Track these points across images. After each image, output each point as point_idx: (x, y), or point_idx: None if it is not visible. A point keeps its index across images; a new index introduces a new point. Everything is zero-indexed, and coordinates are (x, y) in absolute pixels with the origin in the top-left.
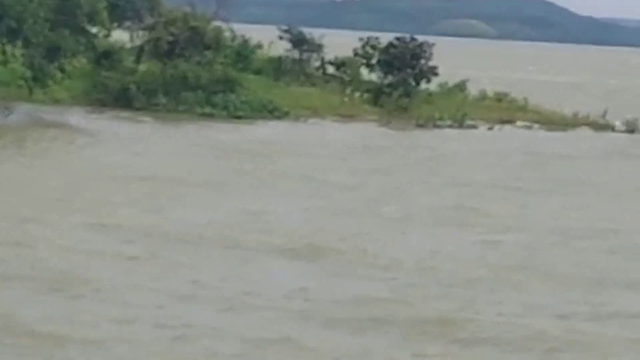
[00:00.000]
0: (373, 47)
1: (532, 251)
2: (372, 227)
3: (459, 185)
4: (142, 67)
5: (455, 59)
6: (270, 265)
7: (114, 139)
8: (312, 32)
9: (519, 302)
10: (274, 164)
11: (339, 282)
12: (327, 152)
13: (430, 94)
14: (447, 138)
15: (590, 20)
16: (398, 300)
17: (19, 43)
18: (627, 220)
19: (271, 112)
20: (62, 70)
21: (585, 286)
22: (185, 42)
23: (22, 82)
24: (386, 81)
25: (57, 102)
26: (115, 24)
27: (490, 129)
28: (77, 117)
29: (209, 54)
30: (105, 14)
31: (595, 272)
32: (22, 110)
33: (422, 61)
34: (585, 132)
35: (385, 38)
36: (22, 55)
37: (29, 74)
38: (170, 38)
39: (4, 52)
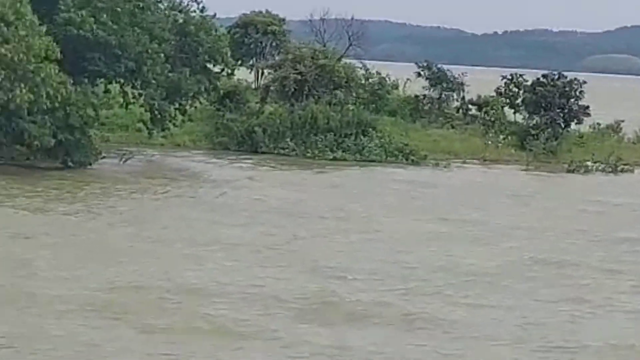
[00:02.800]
0: (518, 85)
1: None
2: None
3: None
4: (268, 109)
5: (608, 98)
6: None
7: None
8: (452, 69)
9: None
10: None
11: None
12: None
13: (581, 136)
14: (602, 186)
15: None
16: None
17: (138, 84)
18: None
19: (407, 156)
20: (182, 112)
21: None
22: (314, 81)
23: (141, 125)
24: (532, 122)
25: (177, 145)
26: (239, 62)
27: None
28: (198, 162)
29: (339, 93)
30: (228, 52)
31: None
32: (142, 155)
33: (572, 100)
34: None
35: (531, 75)
36: (140, 96)
37: (148, 116)
38: (298, 77)
39: (124, 94)
